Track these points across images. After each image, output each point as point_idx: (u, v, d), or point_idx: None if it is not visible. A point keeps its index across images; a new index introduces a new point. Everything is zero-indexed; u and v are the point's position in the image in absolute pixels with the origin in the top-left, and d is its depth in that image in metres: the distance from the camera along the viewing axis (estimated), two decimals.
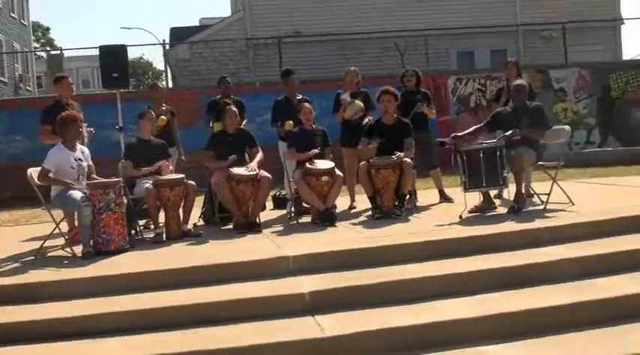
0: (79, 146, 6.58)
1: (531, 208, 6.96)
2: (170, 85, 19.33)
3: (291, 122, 7.80)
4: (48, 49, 43.87)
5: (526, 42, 19.92)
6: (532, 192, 7.43)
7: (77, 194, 6.13)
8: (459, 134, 7.17)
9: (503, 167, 6.60)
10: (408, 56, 17.34)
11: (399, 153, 7.07)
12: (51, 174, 6.28)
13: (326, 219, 6.94)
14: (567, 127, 7.35)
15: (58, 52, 20.09)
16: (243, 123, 8.10)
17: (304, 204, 7.65)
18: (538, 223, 6.15)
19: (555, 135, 7.30)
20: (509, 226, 6.12)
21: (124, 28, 47.52)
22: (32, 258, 6.17)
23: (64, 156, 6.38)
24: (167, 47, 18.76)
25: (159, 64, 51.94)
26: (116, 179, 6.45)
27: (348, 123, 8.05)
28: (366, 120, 7.89)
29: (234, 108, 7.42)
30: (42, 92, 34.01)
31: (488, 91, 15.38)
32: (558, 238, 5.78)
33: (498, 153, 6.59)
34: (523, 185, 6.89)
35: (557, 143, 7.39)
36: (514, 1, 20.22)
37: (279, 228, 7.08)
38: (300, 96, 8.30)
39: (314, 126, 7.59)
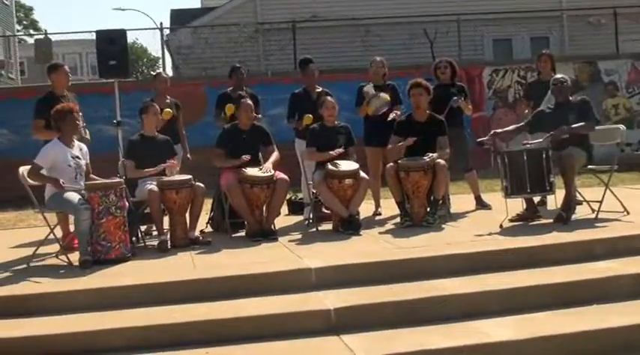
0: (76, 142, 6.64)
1: (580, 217, 6.98)
2: (170, 73, 19.38)
3: (310, 116, 7.84)
4: (32, 32, 44.17)
5: (571, 29, 19.79)
6: (581, 199, 7.44)
7: (74, 196, 6.19)
8: (499, 130, 7.27)
9: (550, 171, 6.61)
10: (437, 44, 17.30)
11: (431, 154, 7.10)
12: (44, 171, 6.34)
13: (350, 226, 6.98)
14: (622, 127, 7.36)
15: (44, 35, 20.15)
16: (258, 117, 8.13)
17: (324, 210, 7.70)
18: (589, 234, 6.16)
19: (608, 135, 7.32)
20: (557, 237, 6.13)
21: (117, 9, 47.73)
22: (24, 266, 6.24)
23: (61, 152, 6.43)
24: (167, 31, 18.79)
25: (155, 49, 52.18)
26: (117, 180, 6.51)
27: (372, 119, 8.08)
28: (392, 115, 7.91)
29: (249, 102, 7.46)
30: (25, 80, 34.24)
31: None
32: (613, 252, 5.79)
33: (544, 155, 6.61)
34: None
35: (609, 144, 7.41)
36: None
37: (297, 236, 7.13)
38: (320, 89, 8.35)
39: (337, 122, 7.63)
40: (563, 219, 6.71)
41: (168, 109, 7.90)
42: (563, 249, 5.86)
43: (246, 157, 7.07)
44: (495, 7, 18.46)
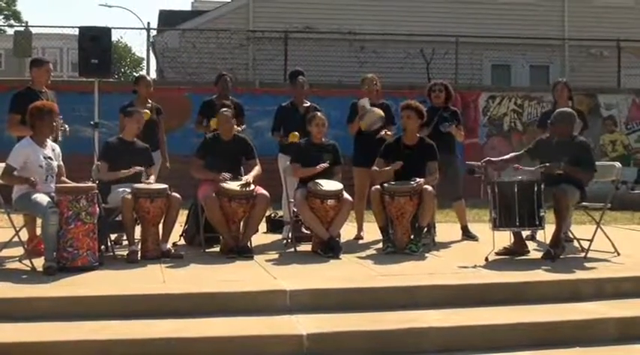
0: (49, 142, 6.63)
1: (569, 255, 7.01)
2: (153, 76, 19.37)
3: (296, 133, 7.86)
4: (13, 23, 43.98)
5: (572, 59, 20.03)
6: (571, 236, 7.48)
7: (44, 198, 6.16)
8: (494, 159, 7.27)
9: (540, 205, 6.65)
10: (434, 65, 17.46)
11: (418, 179, 7.12)
12: (15, 173, 6.32)
13: (329, 249, 6.99)
14: (618, 164, 7.42)
15: (24, 27, 20.04)
16: (242, 127, 8.15)
17: (304, 230, 7.71)
18: (577, 274, 6.20)
19: (603, 172, 7.36)
20: (544, 275, 6.16)
21: (103, 5, 47.56)
22: None
23: (32, 152, 6.41)
24: (153, 32, 18.81)
25: (139, 50, 51.99)
26: (89, 184, 6.48)
27: (363, 138, 8.10)
28: (382, 134, 7.93)
29: (228, 114, 7.43)
30: (2, 73, 34.07)
31: (526, 113, 15.50)
32: (600, 293, 5.84)
33: (536, 188, 6.65)
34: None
35: (604, 181, 7.47)
36: (562, 11, 20.35)
37: (274, 255, 7.13)
38: (308, 104, 8.38)
39: (324, 139, 7.64)
40: (552, 256, 6.74)
41: (147, 110, 7.88)
42: (548, 287, 5.90)
43: (226, 175, 7.05)
44: (496, 31, 18.63)
